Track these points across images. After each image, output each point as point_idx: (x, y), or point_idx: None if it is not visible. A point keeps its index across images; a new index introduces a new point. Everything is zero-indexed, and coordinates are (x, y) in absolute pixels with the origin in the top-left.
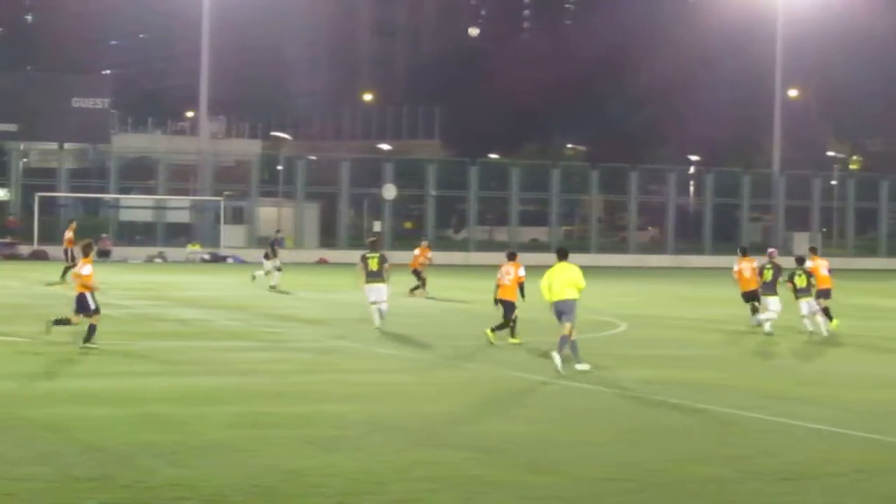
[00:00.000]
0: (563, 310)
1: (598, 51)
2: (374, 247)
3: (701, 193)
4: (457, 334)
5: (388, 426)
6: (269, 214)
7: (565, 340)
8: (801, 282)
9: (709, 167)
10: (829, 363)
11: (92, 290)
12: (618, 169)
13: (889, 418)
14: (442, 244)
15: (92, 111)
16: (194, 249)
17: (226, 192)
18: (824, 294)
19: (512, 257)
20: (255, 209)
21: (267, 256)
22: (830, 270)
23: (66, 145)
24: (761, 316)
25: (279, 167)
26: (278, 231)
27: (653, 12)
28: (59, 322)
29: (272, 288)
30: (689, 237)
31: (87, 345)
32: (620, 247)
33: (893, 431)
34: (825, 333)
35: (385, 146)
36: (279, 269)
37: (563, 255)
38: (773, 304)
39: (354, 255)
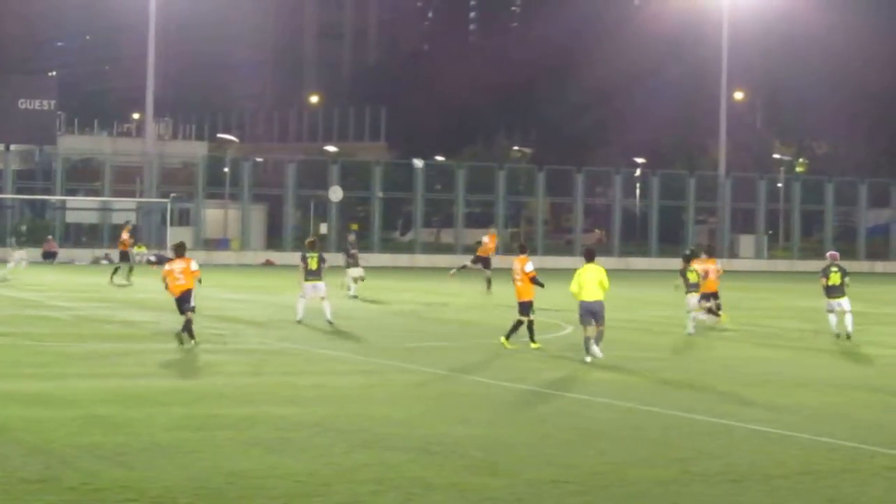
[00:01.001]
0: (593, 309)
1: (544, 53)
2: (312, 247)
3: (647, 196)
4: (405, 336)
5: (335, 428)
6: (215, 216)
7: (594, 339)
8: (693, 277)
9: (654, 170)
10: (773, 365)
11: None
12: (563, 171)
13: (835, 420)
14: (388, 246)
15: (38, 112)
16: (140, 251)
17: (172, 194)
18: (711, 296)
19: (523, 250)
20: (201, 211)
21: (348, 265)
22: (707, 274)
23: (12, 147)
24: (837, 319)
25: (225, 169)
26: (352, 234)
27: (598, 15)
28: (185, 330)
29: (354, 297)
30: (634, 239)
31: (193, 341)
32: (566, 249)
33: (839, 434)
34: (692, 331)
35: (331, 148)
36: (363, 279)
37: (590, 257)
38: (845, 305)
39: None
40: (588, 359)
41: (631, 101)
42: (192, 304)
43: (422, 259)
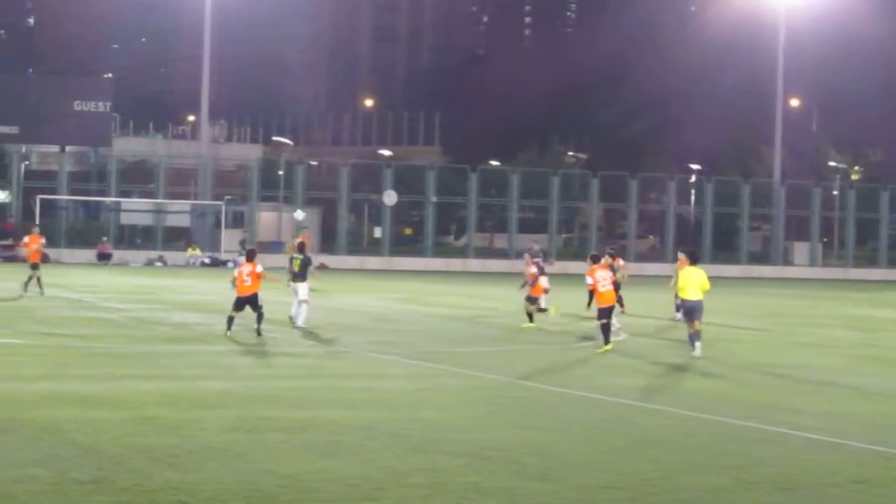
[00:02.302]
0: (695, 308)
1: (599, 58)
2: (300, 249)
3: (701, 202)
4: (457, 340)
5: (387, 432)
6: (268, 219)
7: (696, 336)
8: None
9: (709, 176)
10: (825, 374)
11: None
12: (618, 177)
13: (889, 430)
14: (441, 250)
15: (93, 114)
16: (194, 253)
17: (226, 197)
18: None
19: (596, 260)
20: (254, 214)
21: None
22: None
23: (67, 148)
24: None
25: (279, 172)
26: (535, 243)
27: (654, 20)
28: (259, 321)
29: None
30: (688, 246)
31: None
32: (620, 255)
33: (893, 443)
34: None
35: (385, 152)
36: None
37: (693, 260)
38: None
39: (354, 261)
40: (695, 353)
41: (686, 106)
42: (260, 304)
43: (475, 263)
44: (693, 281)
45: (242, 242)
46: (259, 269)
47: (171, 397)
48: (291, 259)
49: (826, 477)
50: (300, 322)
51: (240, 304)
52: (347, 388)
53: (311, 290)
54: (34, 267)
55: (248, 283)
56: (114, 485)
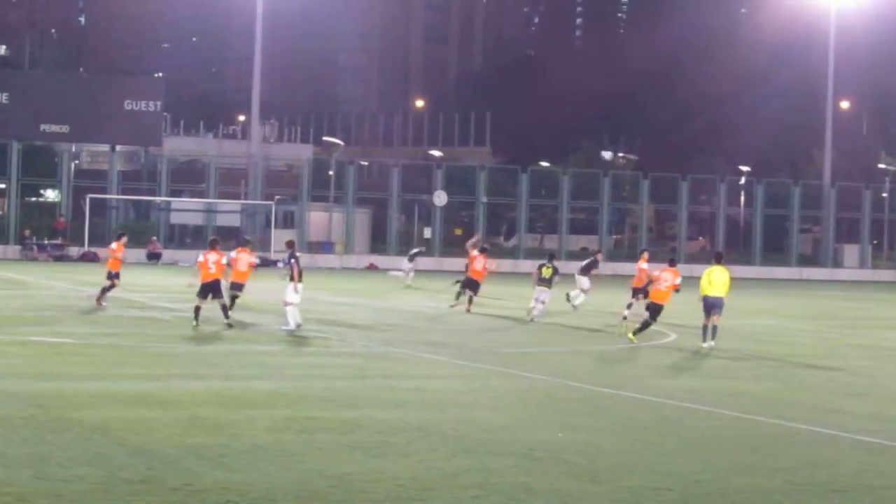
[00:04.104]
0: (715, 304)
1: (650, 60)
2: (291, 247)
3: (751, 204)
4: (506, 341)
5: (436, 432)
6: (319, 219)
7: (714, 329)
8: (546, 272)
9: (759, 178)
10: (876, 376)
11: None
12: (668, 178)
13: None
14: (491, 251)
15: (144, 114)
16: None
17: (276, 197)
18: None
19: (672, 264)
20: (305, 214)
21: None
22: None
23: (118, 147)
24: None
25: (330, 172)
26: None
27: (704, 22)
28: (225, 312)
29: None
30: (738, 248)
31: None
32: (671, 256)
33: None
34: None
35: (436, 152)
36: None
37: (719, 259)
38: None
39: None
40: (704, 345)
41: (736, 108)
42: (222, 294)
43: (525, 265)
44: (718, 279)
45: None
46: (224, 259)
47: (220, 397)
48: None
49: (877, 479)
50: (290, 325)
51: (204, 291)
52: (397, 388)
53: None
54: (116, 276)
55: (213, 270)
56: (163, 484)
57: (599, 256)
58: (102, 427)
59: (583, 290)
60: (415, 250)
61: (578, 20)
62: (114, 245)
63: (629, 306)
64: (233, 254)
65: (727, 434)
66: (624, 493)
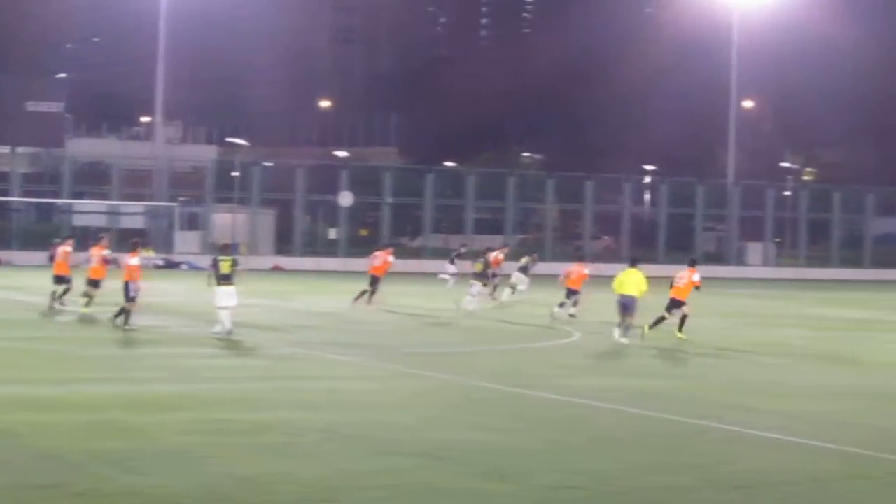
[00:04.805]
0: (625, 303)
1: (556, 60)
2: (225, 250)
3: (656, 203)
4: (415, 342)
5: (345, 434)
6: (224, 220)
7: (626, 327)
8: (477, 267)
9: (664, 177)
10: (778, 373)
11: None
12: (573, 178)
13: (841, 427)
14: (397, 252)
15: (46, 115)
16: (148, 255)
17: (181, 198)
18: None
19: (693, 264)
20: (209, 215)
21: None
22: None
23: (19, 149)
24: None
25: (235, 173)
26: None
27: (610, 23)
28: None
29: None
30: (643, 246)
31: (127, 327)
32: (576, 256)
33: (846, 440)
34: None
35: (342, 153)
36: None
37: (633, 262)
38: None
39: (310, 262)
40: (622, 339)
41: (642, 108)
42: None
43: (430, 265)
44: (630, 280)
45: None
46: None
47: (129, 400)
48: (217, 262)
49: (781, 475)
50: (224, 329)
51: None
52: (306, 389)
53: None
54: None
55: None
56: (70, 489)
57: (535, 256)
58: (9, 431)
59: (513, 288)
60: (461, 250)
61: (485, 20)
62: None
63: (561, 305)
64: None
65: (636, 432)
66: (532, 492)
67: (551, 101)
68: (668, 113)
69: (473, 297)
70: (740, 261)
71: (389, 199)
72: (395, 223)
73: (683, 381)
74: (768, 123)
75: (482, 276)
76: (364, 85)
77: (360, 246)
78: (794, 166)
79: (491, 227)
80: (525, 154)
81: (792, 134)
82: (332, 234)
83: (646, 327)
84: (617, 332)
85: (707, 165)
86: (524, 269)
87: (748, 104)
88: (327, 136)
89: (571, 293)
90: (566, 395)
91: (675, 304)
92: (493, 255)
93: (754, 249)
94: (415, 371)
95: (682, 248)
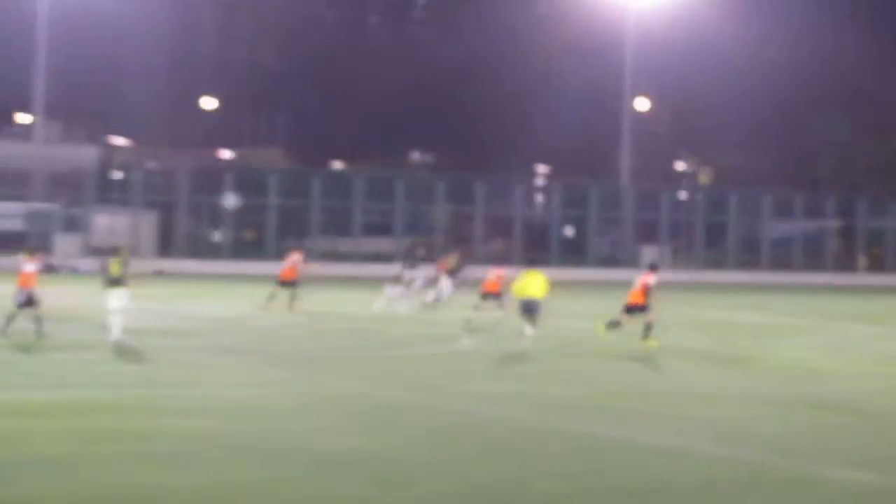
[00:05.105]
0: (530, 306)
1: (447, 58)
2: (116, 252)
3: (548, 205)
4: (305, 347)
5: (230, 442)
6: (105, 223)
7: (532, 329)
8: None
9: (558, 178)
10: (674, 379)
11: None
12: (464, 179)
13: (738, 434)
14: (283, 255)
15: None
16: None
17: (60, 200)
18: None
19: (653, 268)
20: (90, 217)
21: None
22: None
23: None
24: None
25: (116, 174)
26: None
27: (502, 21)
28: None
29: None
30: (536, 249)
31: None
32: (467, 259)
33: (742, 447)
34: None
35: (226, 154)
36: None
37: (533, 263)
38: None
39: (193, 266)
40: (527, 344)
41: (534, 108)
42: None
43: (320, 269)
44: (532, 282)
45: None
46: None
47: (4, 407)
48: (106, 262)
49: (676, 482)
50: (113, 334)
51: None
52: (191, 396)
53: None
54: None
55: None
56: None
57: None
58: None
59: (438, 292)
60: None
61: (374, 18)
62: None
63: (476, 307)
64: None
65: (529, 440)
66: (420, 501)
67: (442, 101)
68: (562, 113)
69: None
70: (635, 264)
71: (275, 201)
72: (280, 225)
73: (581, 386)
74: (664, 125)
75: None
76: (249, 84)
77: (245, 249)
78: (690, 168)
79: (379, 229)
80: (415, 154)
81: (688, 136)
82: (217, 236)
83: (600, 326)
84: (528, 329)
85: (601, 167)
86: (452, 273)
87: (643, 105)
88: (212, 136)
89: (492, 297)
90: (462, 402)
91: (632, 310)
92: (446, 259)
93: (649, 253)
94: (306, 377)
95: (575, 252)
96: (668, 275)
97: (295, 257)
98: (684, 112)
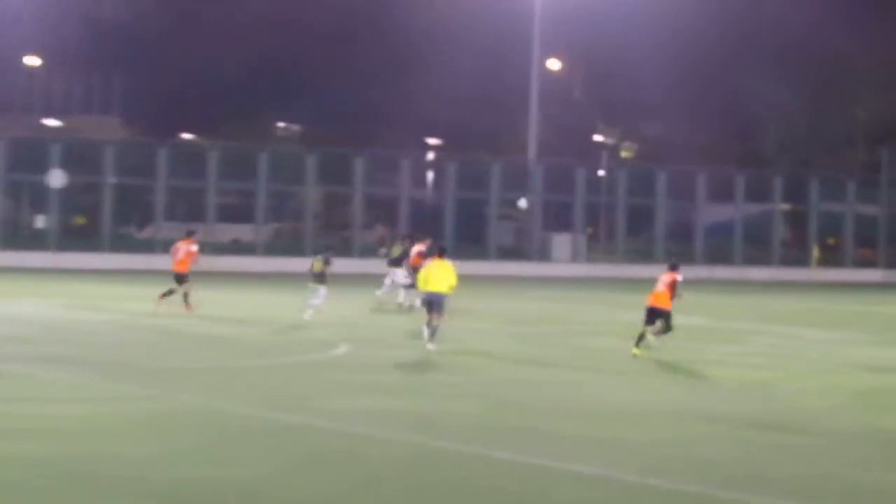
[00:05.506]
0: (434, 300)
1: (321, 11)
2: None
3: (441, 185)
4: (147, 356)
5: (60, 469)
6: None
7: (435, 329)
8: (316, 266)
9: (451, 154)
10: (591, 393)
11: None
12: (340, 154)
13: (668, 457)
14: (122, 244)
15: None
16: None
17: None
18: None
19: (673, 267)
20: None
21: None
22: None
23: None
24: None
25: None
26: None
27: None
28: None
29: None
30: (426, 236)
31: None
32: (343, 249)
33: (672, 473)
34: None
35: (52, 122)
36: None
37: (440, 253)
38: None
39: (11, 258)
40: (430, 346)
41: (425, 70)
42: None
43: (164, 261)
44: (437, 274)
45: None
46: None
47: None
48: None
49: None
50: None
51: None
52: (11, 415)
53: None
54: None
55: None
56: None
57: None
58: None
59: (400, 284)
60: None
61: None
62: None
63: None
64: None
65: (416, 467)
66: None
67: (314, 61)
68: (458, 76)
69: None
70: (544, 256)
71: (112, 180)
72: (119, 209)
73: (478, 401)
74: (579, 90)
75: (319, 277)
76: (81, 40)
77: (75, 238)
78: (610, 141)
79: (238, 214)
80: (280, 125)
81: (608, 103)
82: (40, 222)
83: (634, 349)
84: (426, 333)
85: (504, 140)
86: (398, 261)
87: (555, 66)
88: (35, 101)
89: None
90: (340, 420)
91: (654, 315)
92: (415, 250)
93: (561, 242)
94: (151, 392)
95: (473, 240)
96: (583, 269)
97: (185, 246)
98: (604, 75)
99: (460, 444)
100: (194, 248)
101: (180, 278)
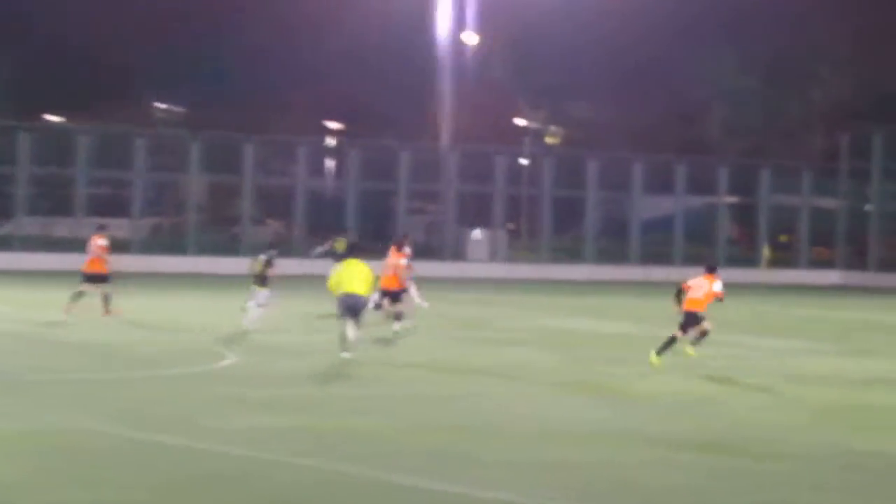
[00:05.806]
0: (352, 304)
1: None
2: None
3: (343, 175)
4: (14, 367)
5: None
6: None
7: (351, 335)
8: (257, 267)
9: (354, 139)
10: (508, 408)
11: None
12: (227, 139)
13: (604, 488)
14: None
15: None
16: None
17: None
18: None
19: (711, 270)
20: None
21: None
22: None
23: None
24: None
25: None
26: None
27: None
28: None
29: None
30: (323, 232)
31: None
32: (230, 247)
33: None
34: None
35: None
36: None
37: (355, 252)
38: None
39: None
40: (346, 355)
41: (324, 47)
42: None
43: (28, 260)
44: (353, 275)
45: None
46: None
47: None
48: None
49: None
50: None
51: None
52: None
53: None
54: None
55: None
56: None
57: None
58: None
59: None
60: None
61: None
62: None
63: (377, 306)
64: None
65: (301, 493)
66: None
67: (199, 34)
68: (361, 51)
69: (256, 307)
70: (459, 255)
71: None
72: None
73: (385, 418)
74: (499, 67)
75: (260, 279)
76: None
77: None
78: (534, 125)
79: (111, 206)
80: (160, 106)
81: (531, 83)
82: None
83: (653, 354)
84: (350, 332)
85: (414, 124)
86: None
87: (471, 39)
88: None
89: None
90: (224, 441)
91: (691, 320)
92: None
93: (478, 239)
94: (11, 408)
95: (378, 237)
96: (503, 269)
97: (99, 242)
98: (527, 51)
99: (361, 468)
100: (101, 241)
101: (96, 278)
